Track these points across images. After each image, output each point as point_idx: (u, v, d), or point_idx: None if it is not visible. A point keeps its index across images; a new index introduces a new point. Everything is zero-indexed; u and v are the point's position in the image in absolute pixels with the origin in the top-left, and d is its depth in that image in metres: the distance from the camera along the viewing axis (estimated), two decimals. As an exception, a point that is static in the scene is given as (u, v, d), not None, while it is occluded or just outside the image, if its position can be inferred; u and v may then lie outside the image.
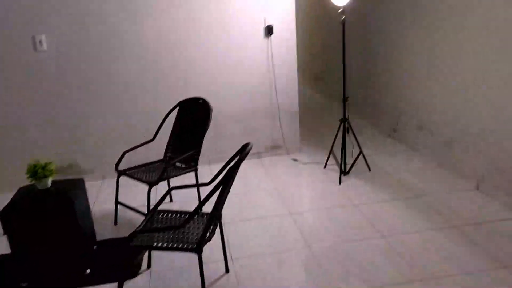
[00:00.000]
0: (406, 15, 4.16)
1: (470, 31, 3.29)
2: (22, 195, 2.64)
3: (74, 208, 2.55)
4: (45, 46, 3.70)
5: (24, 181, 2.72)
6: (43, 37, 3.68)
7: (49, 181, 2.65)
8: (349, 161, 3.97)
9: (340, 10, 3.52)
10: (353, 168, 3.91)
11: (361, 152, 3.93)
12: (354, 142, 3.97)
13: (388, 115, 4.78)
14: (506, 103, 3.02)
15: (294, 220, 3.14)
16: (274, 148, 4.44)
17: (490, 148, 3.23)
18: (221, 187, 2.05)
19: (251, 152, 4.36)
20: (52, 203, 2.55)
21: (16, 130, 3.86)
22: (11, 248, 2.56)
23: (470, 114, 3.40)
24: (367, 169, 3.92)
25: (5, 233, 3.15)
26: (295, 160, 4.30)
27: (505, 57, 2.98)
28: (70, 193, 2.61)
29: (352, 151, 4.10)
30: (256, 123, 4.32)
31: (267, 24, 4.06)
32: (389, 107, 4.74)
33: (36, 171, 2.59)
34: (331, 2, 3.58)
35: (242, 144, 2.25)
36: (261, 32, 4.08)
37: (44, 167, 2.61)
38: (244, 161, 2.08)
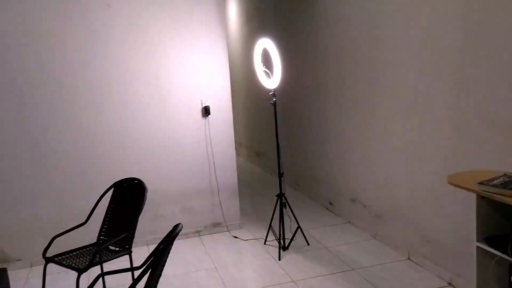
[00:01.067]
0: (330, 91, 4.50)
1: (397, 109, 3.60)
2: None
3: (-8, 302, 2.36)
4: (-27, 129, 3.60)
5: None
6: (-28, 120, 3.60)
7: (-34, 274, 2.46)
8: (288, 235, 4.02)
9: (271, 93, 3.76)
10: (292, 243, 3.94)
11: (298, 227, 4.00)
12: (292, 216, 4.05)
13: (324, 188, 4.96)
14: (424, 180, 3.27)
15: (233, 300, 3.06)
16: (215, 226, 4.42)
17: (419, 220, 3.41)
18: (149, 271, 2.01)
19: (190, 231, 4.31)
20: (-33, 298, 2.35)
21: None
22: None
23: (398, 186, 3.62)
24: (306, 243, 3.97)
25: None
26: (235, 237, 4.28)
27: (423, 134, 3.27)
28: (-11, 285, 2.43)
29: (290, 226, 4.16)
30: (195, 201, 4.32)
31: (204, 105, 4.23)
32: (324, 180, 4.93)
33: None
34: (263, 85, 3.83)
35: (181, 223, 2.24)
36: (199, 112, 4.23)
37: (-40, 258, 2.43)
38: (183, 240, 2.07)
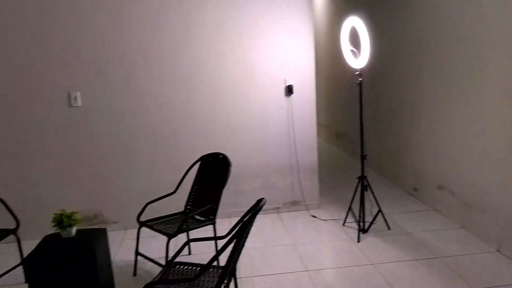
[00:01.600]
0: (424, 73, 4.28)
1: (491, 89, 3.36)
2: (47, 243, 2.75)
3: (96, 258, 2.63)
4: (79, 102, 3.97)
5: (51, 229, 2.85)
6: (78, 94, 3.96)
7: (74, 230, 2.76)
8: (368, 219, 3.96)
9: (357, 73, 3.67)
10: (372, 226, 3.89)
11: (379, 210, 3.92)
12: (373, 200, 3.97)
13: (408, 173, 4.78)
14: (524, 164, 3.02)
15: (310, 277, 3.12)
16: (293, 204, 4.48)
17: (511, 210, 3.19)
18: (234, 241, 2.11)
19: (270, 207, 4.42)
20: (75, 252, 2.65)
21: (45, 181, 4.05)
22: (32, 295, 2.63)
23: (491, 176, 3.40)
24: (386, 228, 3.89)
25: (26, 281, 3.25)
26: (314, 216, 4.31)
27: (521, 119, 3.02)
28: (93, 243, 2.71)
29: (371, 209, 4.09)
30: (275, 178, 4.40)
31: (287, 84, 4.25)
32: (409, 164, 4.75)
33: (62, 220, 2.72)
34: (349, 64, 3.75)
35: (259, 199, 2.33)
36: (282, 91, 4.26)
37: (69, 216, 2.74)
38: (262, 216, 2.15)
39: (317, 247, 3.63)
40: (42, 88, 3.91)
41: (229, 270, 2.28)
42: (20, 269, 3.34)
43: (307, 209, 4.48)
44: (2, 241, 3.15)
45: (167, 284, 2.35)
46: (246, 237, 2.30)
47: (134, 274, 3.29)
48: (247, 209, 2.42)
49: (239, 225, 2.19)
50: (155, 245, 3.76)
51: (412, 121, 4.61)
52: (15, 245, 3.50)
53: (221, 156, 3.39)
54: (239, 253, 2.33)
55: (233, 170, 3.26)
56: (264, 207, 4.37)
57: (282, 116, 4.31)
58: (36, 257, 2.61)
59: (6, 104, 3.89)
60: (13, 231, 3.17)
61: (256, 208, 2.16)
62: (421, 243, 3.56)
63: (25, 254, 3.16)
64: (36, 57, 3.86)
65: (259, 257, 3.47)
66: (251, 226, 2.22)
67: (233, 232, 2.17)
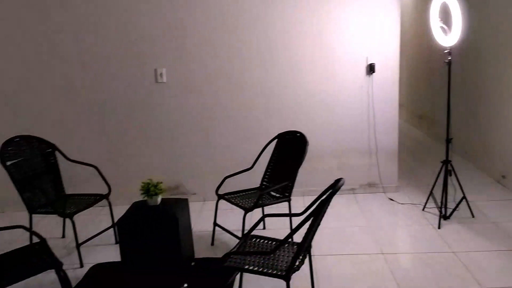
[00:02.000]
0: (522, 55, 3.93)
1: None
2: (135, 209, 2.97)
3: (178, 226, 2.80)
4: (164, 78, 4.17)
5: (137, 196, 3.07)
6: (164, 70, 4.15)
7: (159, 199, 2.95)
8: (451, 205, 3.78)
9: (446, 51, 3.46)
10: (454, 213, 3.71)
11: (464, 197, 3.72)
12: (457, 185, 3.77)
13: (497, 159, 4.46)
14: None
15: (386, 260, 3.07)
16: (370, 186, 4.39)
17: None
18: (311, 218, 2.13)
19: (345, 188, 4.37)
20: (160, 219, 2.83)
21: (133, 152, 4.34)
22: (122, 256, 2.87)
23: None
24: (470, 215, 3.69)
25: (117, 241, 3.54)
26: (391, 199, 4.20)
27: None
28: (176, 211, 2.88)
29: (454, 195, 3.89)
30: (352, 159, 4.33)
31: (369, 63, 4.12)
32: (498, 150, 4.43)
33: (149, 189, 2.92)
34: (437, 42, 3.53)
35: (335, 179, 2.32)
36: (363, 70, 4.14)
37: (155, 185, 2.93)
38: (338, 196, 2.15)
39: (394, 231, 3.54)
40: (132, 64, 4.15)
41: (305, 247, 2.32)
42: (111, 231, 3.65)
43: (384, 192, 4.37)
44: (96, 205, 3.45)
45: (244, 255, 2.44)
46: (323, 215, 2.31)
47: (212, 243, 3.46)
48: (321, 188, 2.42)
49: (317, 203, 2.21)
50: (232, 218, 3.90)
51: (502, 103, 4.26)
52: (107, 209, 3.81)
53: (299, 134, 3.40)
54: (315, 231, 2.36)
55: (310, 148, 3.26)
56: (339, 187, 4.33)
57: (362, 96, 4.20)
58: (126, 221, 2.83)
59: (100, 80, 4.19)
60: (106, 196, 3.46)
61: (334, 188, 2.16)
62: (508, 234, 3.33)
63: (116, 217, 3.44)
64: (129, 34, 4.09)
65: (334, 237, 3.47)
66: (328, 205, 2.22)
67: (310, 210, 2.19)
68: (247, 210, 3.07)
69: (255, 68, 4.16)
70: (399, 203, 4.09)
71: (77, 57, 4.12)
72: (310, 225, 2.20)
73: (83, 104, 4.22)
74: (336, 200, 4.20)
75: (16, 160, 3.30)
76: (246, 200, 3.31)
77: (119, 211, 3.97)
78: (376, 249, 3.24)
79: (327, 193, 2.18)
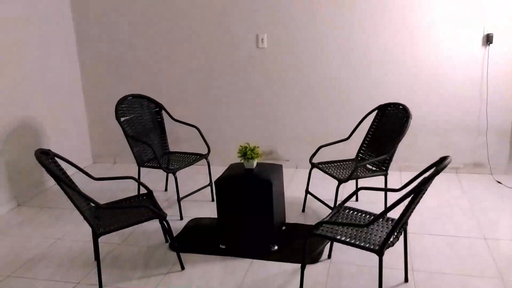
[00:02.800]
0: None
1: None
2: (232, 170, 3.10)
3: (272, 189, 2.87)
4: (265, 44, 4.19)
5: (234, 159, 3.19)
6: (265, 36, 4.17)
7: (255, 163, 3.04)
8: None
9: None
10: None
11: None
12: None
13: None
14: None
15: (488, 246, 2.87)
16: (475, 166, 4.08)
17: None
18: (412, 195, 2.05)
19: (448, 166, 4.11)
20: (255, 182, 2.93)
21: (231, 115, 4.48)
22: (218, 213, 3.03)
23: None
24: None
25: (213, 199, 3.74)
26: (499, 182, 3.87)
27: None
28: (270, 176, 2.95)
29: None
30: (457, 136, 4.04)
31: (486, 33, 3.74)
32: None
33: (246, 152, 3.01)
34: None
35: (437, 156, 2.19)
36: (478, 41, 3.78)
37: (252, 150, 3.01)
38: (439, 175, 2.03)
39: (500, 215, 3.28)
40: (233, 29, 4.22)
41: (401, 224, 2.25)
42: (208, 188, 3.86)
43: (491, 174, 4.04)
44: (196, 164, 3.66)
45: (337, 226, 2.44)
46: (423, 194, 2.21)
47: (303, 210, 3.50)
48: (420, 165, 2.31)
49: (418, 180, 2.11)
50: (324, 187, 3.90)
51: None
52: (205, 168, 4.04)
53: (401, 106, 3.24)
54: (414, 209, 2.27)
55: (412, 122, 3.09)
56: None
57: (474, 69, 3.85)
58: (223, 181, 2.97)
59: (203, 46, 4.33)
60: (205, 156, 3.64)
61: (440, 165, 2.04)
62: None
63: (213, 176, 3.62)
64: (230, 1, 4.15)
65: (432, 216, 3.32)
66: (430, 183, 2.12)
67: (410, 187, 2.11)
68: (341, 181, 3.04)
69: (359, 34, 3.99)
70: (508, 187, 3.76)
71: (183, 24, 4.29)
72: (410, 202, 2.12)
73: (188, 69, 4.42)
74: (437, 179, 3.97)
75: (128, 117, 3.59)
76: (341, 171, 3.28)
77: (216, 171, 4.18)
78: (477, 233, 3.04)
79: (431, 171, 2.07)
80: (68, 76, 4.45)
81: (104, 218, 2.66)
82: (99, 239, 2.90)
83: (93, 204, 2.62)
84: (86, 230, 3.28)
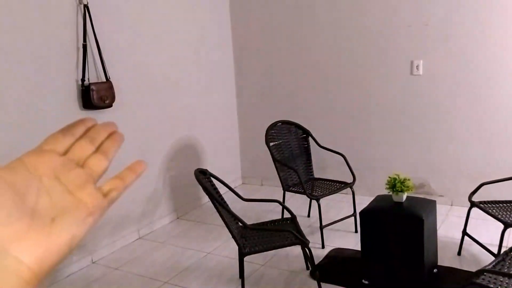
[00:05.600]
0: None
1: None
2: (379, 202, 2.95)
3: (423, 227, 2.65)
4: (420, 70, 3.96)
5: (381, 190, 3.04)
6: (421, 62, 3.94)
7: (405, 196, 2.85)
8: None
9: None
10: None
11: None
12: None
13: None
14: None
15: None
16: None
17: None
18: None
19: None
20: (404, 217, 2.74)
21: (380, 144, 4.30)
22: (362, 246, 2.91)
23: None
24: None
25: (357, 231, 3.61)
26: None
27: None
28: (422, 212, 2.73)
29: None
30: None
31: None
32: None
33: (395, 184, 2.84)
34: None
35: None
36: None
37: (402, 182, 2.83)
38: None
39: None
40: (386, 56, 4.10)
41: None
42: (352, 219, 3.75)
43: None
44: (340, 192, 3.59)
45: (502, 276, 2.12)
46: None
47: (459, 253, 3.15)
48: None
49: None
50: (484, 230, 3.45)
51: None
52: (350, 197, 3.92)
53: None
54: None
55: None
56: None
57: None
58: (369, 213, 2.84)
59: (353, 73, 4.29)
60: (350, 185, 3.56)
61: None
62: None
63: (357, 207, 3.50)
64: (385, 25, 4.05)
65: None
66: None
67: None
68: (508, 225, 2.66)
69: (483, 59, 3.51)
70: None
71: (334, 51, 4.32)
72: None
73: (336, 95, 4.41)
74: None
75: (277, 142, 3.73)
76: (507, 213, 2.87)
77: (361, 201, 4.03)
78: None
79: None
80: (226, 102, 4.83)
81: (250, 238, 2.76)
82: (244, 258, 3.02)
83: (240, 224, 2.75)
84: (233, 247, 3.46)
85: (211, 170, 3.45)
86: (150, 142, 3.85)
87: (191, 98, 4.27)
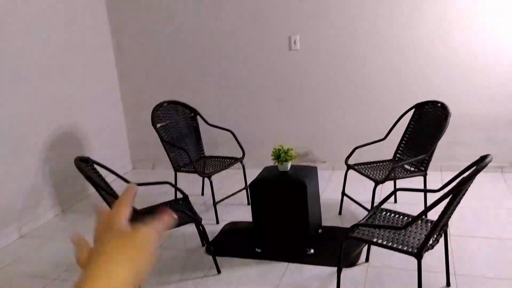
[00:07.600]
0: None
1: None
2: (266, 173, 3.10)
3: (306, 192, 2.85)
4: (298, 45, 4.17)
5: (269, 162, 3.19)
6: (298, 37, 4.15)
7: (289, 165, 3.02)
8: None
9: None
10: None
11: None
12: None
13: None
14: None
15: (537, 249, 2.72)
16: (523, 164, 3.88)
17: None
18: (450, 196, 1.97)
19: (492, 165, 3.92)
20: (288, 184, 2.91)
21: (265, 117, 4.48)
22: (253, 217, 3.04)
23: None
24: None
25: (249, 203, 3.75)
26: (549, 181, 3.66)
27: None
28: (304, 178, 2.92)
29: None
30: (504, 133, 3.86)
31: (532, 22, 3.55)
32: None
33: (280, 155, 3.00)
34: None
35: (481, 154, 2.09)
36: (524, 30, 3.59)
37: (286, 152, 2.99)
38: (483, 174, 1.95)
39: (551, 217, 3.10)
40: (266, 32, 4.23)
41: (440, 226, 2.17)
42: (244, 192, 3.88)
43: (541, 172, 3.83)
44: (231, 167, 3.68)
45: (373, 228, 2.38)
46: (464, 194, 2.12)
47: (340, 212, 3.45)
48: (463, 164, 2.22)
49: (457, 180, 2.03)
50: (360, 189, 3.82)
51: None
52: (241, 171, 4.04)
53: (439, 104, 3.13)
54: (453, 210, 2.18)
55: (453, 118, 2.97)
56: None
57: (520, 61, 3.67)
58: (258, 185, 2.97)
59: (235, 50, 4.36)
60: (240, 160, 3.66)
61: (480, 164, 1.95)
62: None
63: (248, 180, 3.63)
64: (264, 2, 4.15)
65: (475, 217, 3.18)
66: (471, 183, 2.03)
67: (450, 187, 2.03)
68: (378, 182, 2.98)
69: (394, 25, 3.89)
70: (560, 186, 3.55)
71: (215, 30, 4.34)
72: (448, 203, 2.04)
73: (221, 73, 4.46)
74: (480, 178, 3.80)
75: (164, 123, 3.67)
76: (377, 171, 3.20)
77: (252, 174, 4.17)
78: (526, 235, 2.88)
79: (470, 170, 1.98)
80: (107, 85, 4.60)
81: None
82: (138, 243, 2.96)
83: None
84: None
85: (98, 157, 3.29)
86: (23, 134, 3.54)
87: (65, 84, 3.98)
